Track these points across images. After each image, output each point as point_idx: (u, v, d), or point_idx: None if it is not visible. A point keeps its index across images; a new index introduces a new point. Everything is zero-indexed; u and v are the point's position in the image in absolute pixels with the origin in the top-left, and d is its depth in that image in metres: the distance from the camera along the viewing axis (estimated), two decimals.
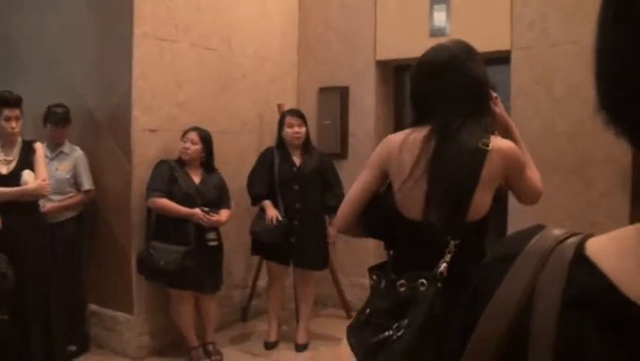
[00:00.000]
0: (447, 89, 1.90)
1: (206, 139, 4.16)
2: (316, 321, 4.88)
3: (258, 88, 5.10)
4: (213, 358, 4.20)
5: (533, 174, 2.00)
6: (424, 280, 1.77)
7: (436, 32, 4.82)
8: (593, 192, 4.29)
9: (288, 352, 4.34)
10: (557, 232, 0.58)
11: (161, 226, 4.02)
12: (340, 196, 4.40)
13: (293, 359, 4.24)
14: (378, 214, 1.99)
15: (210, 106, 4.66)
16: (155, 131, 4.29)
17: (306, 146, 4.35)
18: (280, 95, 5.25)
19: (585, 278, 0.51)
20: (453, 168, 1.84)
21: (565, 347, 0.49)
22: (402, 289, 1.80)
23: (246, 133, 5.00)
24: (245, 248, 4.60)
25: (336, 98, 5.21)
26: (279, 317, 4.53)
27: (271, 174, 4.27)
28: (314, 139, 4.83)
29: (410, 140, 1.91)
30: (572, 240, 0.55)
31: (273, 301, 4.48)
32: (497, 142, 1.87)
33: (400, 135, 1.98)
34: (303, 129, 4.31)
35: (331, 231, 4.37)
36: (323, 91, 5.31)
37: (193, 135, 4.12)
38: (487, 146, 1.82)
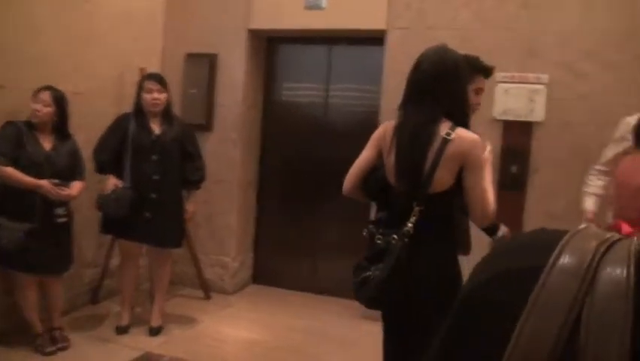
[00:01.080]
0: (437, 90, 2.35)
1: (59, 101, 3.86)
2: (173, 302, 4.77)
3: (119, 48, 4.84)
4: (59, 345, 3.92)
5: (488, 189, 2.35)
6: (395, 236, 2.32)
7: (311, 6, 4.82)
8: None
9: (140, 337, 4.17)
10: (593, 239, 0.48)
11: (3, 198, 3.69)
12: (201, 170, 4.29)
13: (145, 344, 4.07)
14: (374, 182, 2.54)
15: (66, 64, 4.35)
16: (1, 87, 3.93)
17: (166, 114, 4.19)
18: (144, 58, 5.02)
19: None
20: (412, 152, 2.34)
21: None
22: (379, 241, 2.38)
23: (105, 96, 4.74)
24: (97, 222, 4.35)
25: (204, 65, 5.07)
26: (132, 298, 4.36)
27: (124, 141, 4.06)
28: (178, 108, 4.67)
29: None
30: (621, 250, 0.47)
31: (126, 281, 4.31)
32: (461, 132, 2.30)
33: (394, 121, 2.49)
34: (164, 96, 4.14)
35: (189, 206, 4.22)
36: (190, 57, 5.14)
37: (45, 96, 3.81)
38: (450, 136, 2.28)
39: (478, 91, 2.85)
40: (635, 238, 0.47)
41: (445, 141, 2.28)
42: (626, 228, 3.20)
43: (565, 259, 0.47)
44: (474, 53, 4.34)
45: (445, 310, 1.89)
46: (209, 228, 5.09)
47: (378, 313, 4.37)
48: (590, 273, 0.45)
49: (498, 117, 4.43)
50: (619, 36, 4.24)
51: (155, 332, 4.25)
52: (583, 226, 0.47)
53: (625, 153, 3.69)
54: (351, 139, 5.15)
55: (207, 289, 4.97)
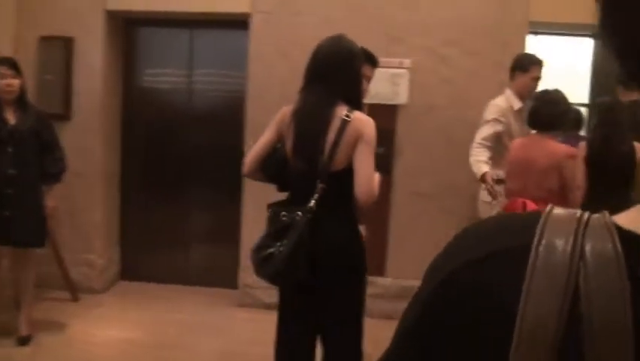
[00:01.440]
0: (332, 76, 2.57)
1: (19, 68, 3.93)
2: (40, 307, 4.47)
3: None
4: None
5: (370, 173, 2.50)
6: (299, 212, 2.47)
7: None
8: None
9: (7, 348, 3.87)
10: (567, 213, 0.50)
11: None
12: (62, 161, 4.05)
13: (14, 355, 3.80)
14: (273, 164, 2.69)
15: None
16: None
17: (20, 102, 3.91)
18: None
19: None
20: (311, 132, 2.53)
21: None
22: (284, 218, 2.51)
23: None
24: None
25: (60, 49, 4.78)
26: None
27: None
28: (33, 96, 4.39)
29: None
30: (599, 226, 0.48)
31: None
32: (358, 115, 2.53)
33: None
34: (17, 81, 3.87)
35: (50, 202, 3.99)
36: (44, 41, 4.82)
37: (5, 69, 3.83)
38: (349, 117, 2.49)
39: (367, 79, 3.16)
40: (604, 214, 0.49)
41: (345, 122, 2.48)
42: (531, 205, 3.51)
43: (549, 239, 0.47)
44: None
45: (349, 284, 2.24)
46: (72, 224, 4.84)
47: (254, 301, 4.44)
48: (577, 249, 0.46)
49: (365, 101, 4.55)
50: (483, 25, 4.52)
51: (23, 341, 3.95)
52: (487, 195, 0.50)
53: (497, 133, 3.95)
54: (216, 125, 5.12)
55: (75, 290, 4.73)
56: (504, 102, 4.04)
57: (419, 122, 4.58)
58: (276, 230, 2.53)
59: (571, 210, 0.50)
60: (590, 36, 5.33)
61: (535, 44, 4.86)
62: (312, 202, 2.47)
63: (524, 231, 0.49)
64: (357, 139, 2.47)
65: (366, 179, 2.46)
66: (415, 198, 4.59)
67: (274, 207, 2.62)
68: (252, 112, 4.62)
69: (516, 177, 3.57)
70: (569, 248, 0.46)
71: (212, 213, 5.18)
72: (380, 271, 4.64)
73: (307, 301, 2.67)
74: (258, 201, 4.60)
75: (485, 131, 3.97)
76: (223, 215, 5.10)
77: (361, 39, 4.50)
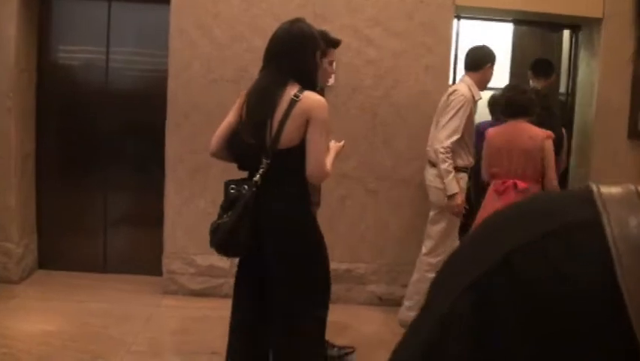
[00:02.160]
0: (283, 57, 2.73)
1: None
2: None
3: None
4: None
5: (320, 152, 2.66)
6: (245, 186, 2.68)
7: None
8: None
9: None
10: (623, 189, 0.49)
11: None
12: None
13: None
14: (235, 142, 2.82)
15: None
16: None
17: None
18: None
19: None
20: (260, 110, 2.69)
21: None
22: (232, 191, 2.72)
23: None
24: None
25: None
26: None
27: None
28: None
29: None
30: None
31: None
32: (308, 94, 2.68)
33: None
34: None
35: None
36: None
37: None
38: (298, 97, 2.64)
39: (330, 62, 3.36)
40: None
41: (293, 102, 2.65)
42: (521, 184, 3.90)
43: (618, 214, 0.47)
44: (260, 16, 4.46)
45: (291, 258, 2.51)
46: None
47: (179, 288, 4.44)
48: None
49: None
50: (406, 5, 4.57)
51: None
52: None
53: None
54: (136, 104, 5.02)
55: None
56: (467, 92, 4.07)
57: (345, 103, 4.62)
58: (225, 203, 2.74)
59: (620, 186, 0.49)
60: (510, 22, 5.49)
61: (459, 28, 4.97)
62: (257, 177, 2.67)
63: (583, 206, 0.48)
64: (307, 119, 2.64)
65: (315, 158, 2.64)
66: (341, 181, 4.64)
67: (227, 182, 2.80)
68: (174, 90, 4.54)
69: (500, 161, 3.90)
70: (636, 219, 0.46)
71: (132, 196, 5.10)
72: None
73: (254, 269, 2.85)
74: (180, 183, 4.58)
75: (454, 123, 3.98)
76: (145, 198, 5.03)
77: (288, 17, 4.51)
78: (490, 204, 3.85)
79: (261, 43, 4.48)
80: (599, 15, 4.79)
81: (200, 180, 4.56)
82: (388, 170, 4.64)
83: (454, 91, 4.08)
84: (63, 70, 5.01)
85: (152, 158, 4.72)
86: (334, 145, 3.00)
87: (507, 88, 4.22)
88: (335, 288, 4.68)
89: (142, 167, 5.02)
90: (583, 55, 5.16)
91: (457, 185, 3.94)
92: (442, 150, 3.94)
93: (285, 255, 2.77)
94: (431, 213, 4.24)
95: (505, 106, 4.03)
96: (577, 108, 5.25)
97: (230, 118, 2.88)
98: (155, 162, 4.66)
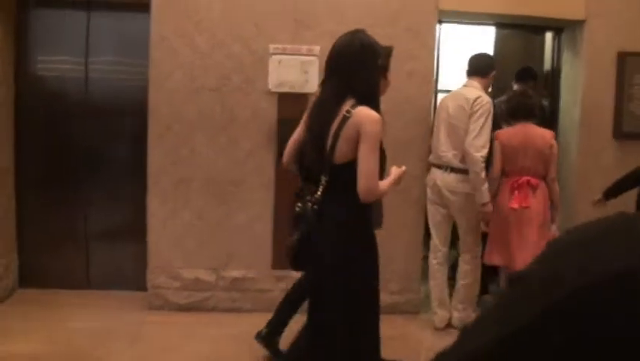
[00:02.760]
0: (342, 70, 2.74)
1: None
2: None
3: None
4: None
5: (368, 169, 2.61)
6: (309, 203, 2.78)
7: None
8: (238, 150, 4.54)
9: None
10: None
11: None
12: None
13: None
14: (301, 156, 2.94)
15: None
16: None
17: None
18: None
19: None
20: (317, 126, 2.76)
21: None
22: (297, 209, 2.84)
23: None
24: None
25: None
26: None
27: None
28: None
29: None
30: None
31: None
32: (360, 109, 2.66)
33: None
34: None
35: None
36: None
37: None
38: (350, 113, 2.65)
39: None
40: None
41: (345, 118, 2.66)
42: (533, 180, 4.17)
43: None
44: (241, 23, 4.44)
45: (347, 271, 2.51)
46: None
47: (165, 303, 4.40)
48: None
49: (273, 89, 4.56)
50: (391, 11, 4.58)
51: None
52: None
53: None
54: (117, 115, 4.96)
55: None
56: (487, 97, 4.32)
57: None
58: (294, 219, 2.88)
59: None
60: (493, 25, 5.52)
61: (443, 32, 5.00)
62: (318, 194, 2.78)
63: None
64: (359, 135, 2.64)
65: (364, 174, 2.61)
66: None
67: (296, 197, 2.93)
68: (155, 100, 4.50)
69: (514, 160, 4.29)
70: None
71: (116, 209, 5.02)
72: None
73: (317, 283, 2.93)
74: (164, 195, 4.55)
75: (487, 130, 4.21)
76: (128, 211, 4.98)
77: (269, 24, 4.53)
78: (505, 200, 4.24)
79: (241, 50, 4.55)
80: (581, 17, 4.83)
81: (184, 191, 4.53)
82: None
83: (478, 97, 4.23)
84: (42, 81, 4.93)
85: (135, 170, 4.68)
86: (395, 170, 2.95)
87: (516, 93, 4.65)
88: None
89: (124, 179, 4.97)
90: (566, 56, 5.20)
91: (488, 193, 4.18)
92: (481, 159, 4.13)
93: (341, 267, 2.76)
94: (461, 219, 4.45)
95: (515, 110, 4.41)
96: (561, 109, 5.30)
97: (297, 131, 2.98)
98: (137, 173, 4.63)
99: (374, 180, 2.64)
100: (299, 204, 2.84)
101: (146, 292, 4.68)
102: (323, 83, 2.87)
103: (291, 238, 2.85)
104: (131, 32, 4.85)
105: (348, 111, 2.66)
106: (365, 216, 2.82)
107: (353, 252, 2.78)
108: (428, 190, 4.53)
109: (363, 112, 2.65)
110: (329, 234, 2.75)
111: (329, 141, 2.69)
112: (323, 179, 2.77)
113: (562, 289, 0.48)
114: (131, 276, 4.87)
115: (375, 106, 2.73)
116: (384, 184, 2.75)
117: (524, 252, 4.12)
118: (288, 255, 2.89)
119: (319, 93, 2.88)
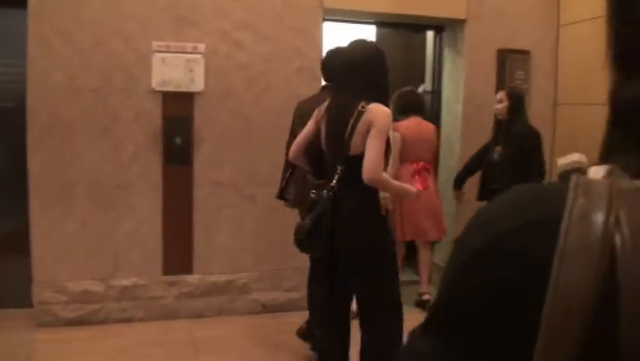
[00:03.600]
0: (354, 76, 3.11)
1: None
2: None
3: None
4: None
5: (374, 156, 2.95)
6: (324, 191, 3.08)
7: None
8: (122, 153, 4.42)
9: None
10: (601, 179, 0.50)
11: None
12: None
13: None
14: (312, 151, 3.35)
15: None
16: None
17: None
18: None
19: None
20: (336, 123, 3.12)
21: None
22: (312, 195, 3.15)
23: None
24: None
25: None
26: None
27: None
28: None
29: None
30: (629, 186, 0.49)
31: None
32: (374, 106, 3.01)
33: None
34: None
35: None
36: None
37: None
38: (364, 108, 3.00)
39: None
40: (633, 180, 0.50)
41: (360, 113, 3.02)
42: (425, 165, 4.91)
43: (583, 207, 0.48)
44: (123, 20, 4.33)
45: (366, 255, 2.89)
46: None
47: (53, 318, 4.21)
48: (612, 217, 0.47)
49: (157, 88, 4.47)
50: (274, 8, 4.61)
51: None
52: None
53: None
54: None
55: None
56: None
57: (217, 109, 4.60)
58: (308, 206, 3.18)
59: (599, 176, 0.52)
60: (374, 24, 5.70)
61: (326, 31, 5.09)
62: (334, 182, 3.10)
63: (558, 200, 0.50)
64: (370, 127, 2.99)
65: (369, 160, 2.95)
66: (217, 190, 4.62)
67: (312, 188, 3.26)
68: (34, 102, 4.25)
69: (412, 147, 4.87)
70: (603, 216, 0.47)
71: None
72: (187, 269, 4.62)
73: (331, 265, 3.18)
74: (47, 203, 4.32)
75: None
76: (8, 222, 4.67)
77: (152, 20, 4.43)
78: (409, 181, 4.55)
79: (123, 48, 4.42)
80: (462, 17, 5.11)
81: (68, 198, 4.33)
82: (264, 175, 4.65)
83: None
84: None
85: (14, 179, 4.40)
86: (409, 185, 3.46)
87: (406, 91, 5.10)
88: (218, 300, 4.68)
89: (3, 187, 4.66)
90: (447, 54, 5.47)
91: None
92: None
93: (359, 251, 3.10)
94: None
95: (406, 106, 5.00)
96: (444, 105, 5.57)
97: (309, 128, 3.35)
98: (17, 183, 4.35)
99: (378, 165, 2.97)
100: (314, 192, 3.17)
101: (33, 308, 4.39)
102: (336, 89, 3.30)
103: (303, 222, 3.17)
104: (7, 29, 4.56)
105: (362, 107, 3.02)
106: (376, 201, 3.16)
107: (366, 233, 3.09)
108: None
109: (377, 108, 3.02)
110: (343, 218, 3.05)
111: (346, 136, 3.06)
112: (339, 168, 3.11)
113: (468, 250, 0.56)
114: (15, 292, 4.52)
115: (386, 103, 3.13)
116: (389, 179, 3.13)
117: (433, 223, 4.94)
118: (301, 237, 3.16)
119: (334, 96, 3.24)
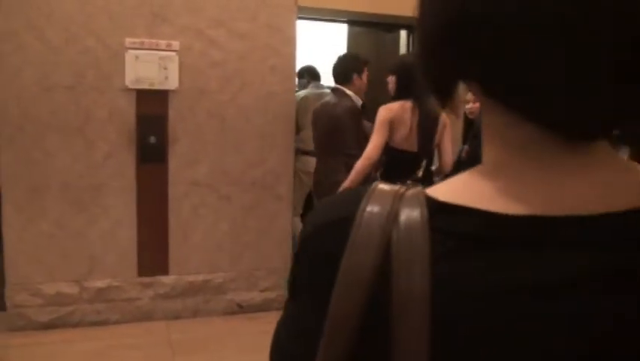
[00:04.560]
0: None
1: None
2: None
3: None
4: None
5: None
6: (409, 182, 3.28)
7: None
8: (95, 152, 4.39)
9: None
10: (390, 187, 0.62)
11: None
12: None
13: None
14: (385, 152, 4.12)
15: None
16: None
17: None
18: None
19: (457, 219, 0.57)
20: (429, 125, 4.10)
21: (446, 291, 0.54)
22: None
23: None
24: None
25: None
26: None
27: None
28: None
29: (403, 108, 4.15)
30: (413, 197, 0.60)
31: None
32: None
33: (396, 105, 4.16)
34: None
35: None
36: None
37: None
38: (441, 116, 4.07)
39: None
40: (421, 188, 0.63)
41: (438, 119, 4.19)
42: None
43: (371, 207, 0.59)
44: (96, 15, 4.31)
45: None
46: None
47: (28, 322, 4.16)
48: (392, 214, 0.58)
49: (131, 86, 4.45)
50: (248, 6, 4.65)
51: None
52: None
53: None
54: None
55: None
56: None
57: (191, 108, 4.60)
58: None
59: (392, 185, 0.64)
60: (345, 22, 5.81)
61: (301, 29, 5.17)
62: (419, 173, 3.98)
63: (356, 201, 0.61)
64: (444, 128, 4.25)
65: (450, 154, 4.28)
66: (193, 189, 4.63)
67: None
68: (4, 100, 4.17)
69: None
70: (385, 213, 0.59)
71: None
72: (163, 270, 4.61)
73: None
74: (19, 204, 4.25)
75: None
76: None
77: (125, 17, 4.41)
78: None
79: (95, 45, 4.39)
80: None
81: (40, 198, 4.27)
82: (240, 174, 4.69)
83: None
84: None
85: None
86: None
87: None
88: (194, 301, 4.69)
89: None
90: None
91: None
92: None
93: None
94: None
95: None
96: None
97: (384, 132, 4.06)
98: None
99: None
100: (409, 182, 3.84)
101: (6, 312, 4.32)
102: (418, 98, 4.04)
103: None
104: None
105: (440, 115, 4.12)
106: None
107: None
108: None
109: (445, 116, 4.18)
110: None
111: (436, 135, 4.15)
112: (423, 162, 4.05)
113: (304, 231, 0.68)
114: None
115: None
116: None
117: None
118: None
119: (421, 106, 4.08)
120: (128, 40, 4.42)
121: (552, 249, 0.53)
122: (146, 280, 4.55)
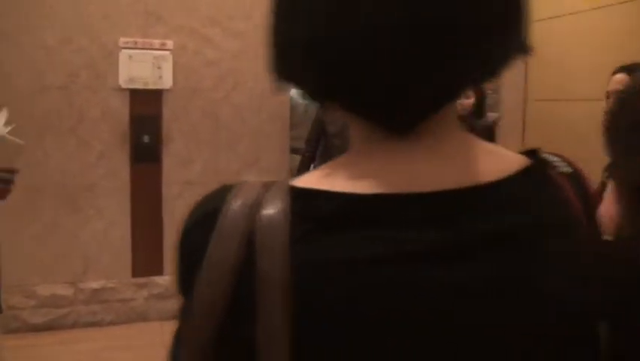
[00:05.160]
0: None
1: None
2: None
3: None
4: None
5: None
6: None
7: None
8: (89, 152, 4.42)
9: None
10: (258, 181, 0.66)
11: None
12: None
13: None
14: None
15: None
16: None
17: None
18: None
19: (316, 203, 0.61)
20: None
21: (305, 278, 0.57)
22: None
23: None
24: None
25: None
26: None
27: None
28: None
29: None
30: (278, 189, 0.63)
31: None
32: None
33: None
34: None
35: None
36: None
37: None
38: None
39: None
40: (287, 180, 0.66)
41: None
42: None
43: (238, 198, 0.62)
44: (90, 15, 4.33)
45: None
46: None
47: (22, 324, 4.23)
48: (256, 205, 0.61)
49: (124, 86, 4.47)
50: (243, 5, 4.66)
51: None
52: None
53: None
54: None
55: None
56: None
57: (185, 106, 4.62)
58: None
59: (262, 180, 0.67)
60: None
61: None
62: None
63: (225, 195, 0.64)
64: None
65: None
66: (186, 188, 4.65)
67: None
68: None
69: None
70: (249, 203, 0.62)
71: None
72: (157, 270, 4.63)
73: None
74: (12, 205, 4.21)
75: None
76: None
77: (118, 16, 4.43)
78: None
79: (89, 44, 4.41)
80: None
81: (35, 199, 4.29)
82: (234, 174, 4.71)
83: None
84: None
85: None
86: None
87: None
88: (171, 304, 4.69)
89: None
90: None
91: None
92: None
93: None
94: None
95: None
96: None
97: None
98: None
99: None
100: None
101: (1, 314, 4.38)
102: None
103: None
104: None
105: None
106: None
107: None
108: None
109: None
110: None
111: None
112: None
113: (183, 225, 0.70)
114: None
115: None
116: None
117: None
118: None
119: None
120: (122, 40, 4.44)
121: (398, 223, 0.59)
122: (141, 280, 4.58)
